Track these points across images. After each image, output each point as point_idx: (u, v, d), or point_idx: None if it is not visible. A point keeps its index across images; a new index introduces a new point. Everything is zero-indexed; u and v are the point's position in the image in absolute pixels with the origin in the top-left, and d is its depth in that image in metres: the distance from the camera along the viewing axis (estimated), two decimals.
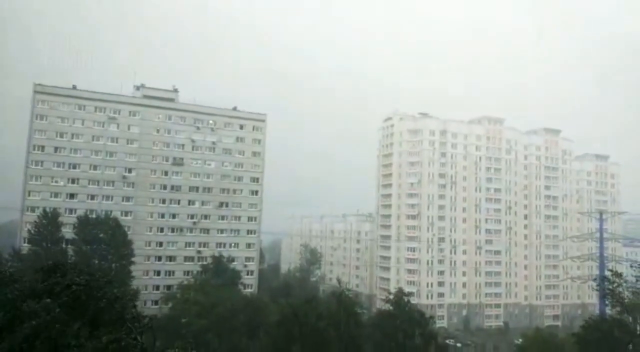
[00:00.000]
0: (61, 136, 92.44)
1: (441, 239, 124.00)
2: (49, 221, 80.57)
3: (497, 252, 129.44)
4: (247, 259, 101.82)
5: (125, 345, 14.51)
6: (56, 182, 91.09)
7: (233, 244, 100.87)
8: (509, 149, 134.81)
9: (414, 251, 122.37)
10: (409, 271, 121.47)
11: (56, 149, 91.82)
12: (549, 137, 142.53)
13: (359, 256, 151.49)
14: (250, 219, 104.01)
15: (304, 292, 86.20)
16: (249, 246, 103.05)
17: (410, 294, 77.52)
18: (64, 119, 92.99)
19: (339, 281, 70.33)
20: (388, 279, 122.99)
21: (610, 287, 46.69)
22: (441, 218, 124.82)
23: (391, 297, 71.85)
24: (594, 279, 68.62)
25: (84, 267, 21.46)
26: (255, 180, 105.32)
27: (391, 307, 69.29)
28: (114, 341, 14.48)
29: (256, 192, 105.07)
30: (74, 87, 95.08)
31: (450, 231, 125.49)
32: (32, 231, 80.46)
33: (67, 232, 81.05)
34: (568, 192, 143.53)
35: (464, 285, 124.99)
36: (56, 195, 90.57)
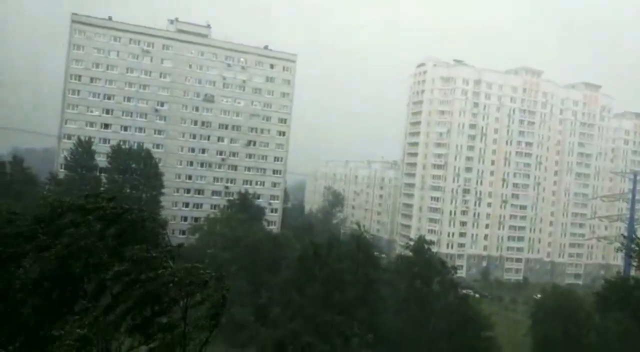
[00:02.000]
0: (97, 67, 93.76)
1: (466, 191, 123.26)
2: (84, 149, 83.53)
3: (523, 207, 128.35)
4: (272, 197, 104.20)
5: (154, 257, 15.62)
6: (91, 112, 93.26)
7: (259, 182, 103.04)
8: (545, 102, 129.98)
9: (437, 200, 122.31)
10: (431, 220, 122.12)
11: (92, 79, 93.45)
12: (589, 92, 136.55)
13: (381, 202, 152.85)
14: (276, 159, 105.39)
15: (325, 233, 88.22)
16: (274, 185, 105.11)
17: (431, 242, 78.73)
18: (100, 50, 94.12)
19: (357, 224, 71.56)
20: (409, 227, 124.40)
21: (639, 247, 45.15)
22: (468, 169, 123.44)
23: (412, 243, 73.19)
24: (619, 238, 67.61)
25: (118, 196, 22.99)
26: (283, 121, 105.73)
27: (411, 254, 70.63)
28: (145, 251, 15.64)
29: (283, 133, 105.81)
30: (110, 19, 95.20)
31: (477, 183, 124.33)
32: (68, 158, 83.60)
33: (101, 160, 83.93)
34: (603, 151, 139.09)
35: (486, 237, 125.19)
36: (91, 124, 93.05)
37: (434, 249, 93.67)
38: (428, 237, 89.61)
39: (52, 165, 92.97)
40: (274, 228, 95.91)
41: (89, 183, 74.22)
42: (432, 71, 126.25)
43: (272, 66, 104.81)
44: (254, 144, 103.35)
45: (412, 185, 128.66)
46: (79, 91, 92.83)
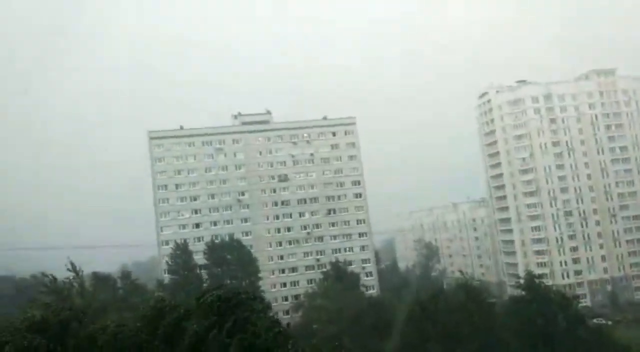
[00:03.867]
0: (179, 173, 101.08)
1: (568, 213, 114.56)
2: (182, 251, 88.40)
3: (637, 217, 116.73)
4: (364, 261, 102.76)
5: (264, 342, 15.89)
6: (182, 215, 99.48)
7: (347, 249, 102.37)
8: (627, 100, 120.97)
9: (539, 229, 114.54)
10: (537, 252, 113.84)
11: (177, 185, 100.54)
12: None
13: (478, 244, 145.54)
14: (358, 221, 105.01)
15: (426, 288, 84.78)
16: (362, 248, 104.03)
17: (542, 275, 72.90)
18: (178, 158, 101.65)
19: (461, 272, 68.19)
20: (515, 264, 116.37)
21: None
22: (564, 190, 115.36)
23: (521, 281, 68.36)
24: None
25: (233, 288, 23.94)
26: (356, 183, 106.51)
27: (523, 292, 65.81)
28: (254, 337, 15.88)
29: (359, 195, 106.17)
30: (181, 127, 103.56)
31: (577, 202, 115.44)
32: (170, 263, 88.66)
33: (199, 258, 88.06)
34: None
35: (603, 258, 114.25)
36: (184, 227, 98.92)
37: (549, 281, 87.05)
38: (538, 270, 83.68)
39: (157, 272, 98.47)
40: (373, 292, 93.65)
41: (191, 282, 77.70)
42: (496, 98, 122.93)
43: (334, 134, 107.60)
44: (334, 212, 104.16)
45: (507, 219, 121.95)
46: (167, 199, 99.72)
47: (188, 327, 18.27)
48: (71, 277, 66.62)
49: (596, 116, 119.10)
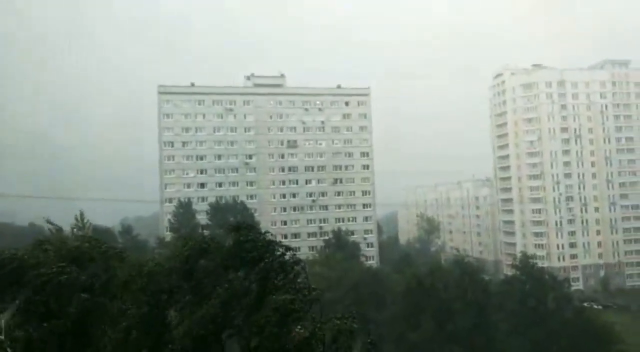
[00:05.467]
0: (187, 131, 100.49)
1: (569, 198, 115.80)
2: (185, 210, 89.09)
3: (635, 207, 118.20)
4: (366, 231, 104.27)
5: (299, 308, 15.24)
6: (187, 174, 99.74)
7: (351, 218, 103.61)
8: (638, 92, 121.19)
9: (539, 212, 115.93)
10: (536, 234, 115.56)
11: (184, 143, 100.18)
12: None
13: (479, 222, 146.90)
14: (364, 193, 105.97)
15: (425, 262, 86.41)
16: (366, 219, 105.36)
17: (537, 257, 74.48)
18: (187, 115, 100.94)
19: (457, 249, 69.49)
20: (514, 244, 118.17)
21: None
22: (567, 176, 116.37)
23: (517, 262, 70.10)
24: None
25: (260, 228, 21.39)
26: (365, 154, 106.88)
27: (517, 272, 67.62)
28: (290, 302, 15.23)
29: (367, 166, 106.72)
30: (192, 85, 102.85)
31: (579, 188, 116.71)
32: (172, 220, 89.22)
33: (202, 218, 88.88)
34: None
35: (599, 244, 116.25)
36: (188, 186, 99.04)
37: (545, 263, 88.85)
38: (536, 252, 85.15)
39: (158, 229, 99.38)
40: (373, 263, 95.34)
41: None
42: (510, 80, 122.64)
43: (346, 103, 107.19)
44: (341, 182, 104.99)
45: (509, 200, 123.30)
46: (173, 156, 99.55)
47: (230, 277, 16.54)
48: (75, 229, 66.38)
49: (606, 106, 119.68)
